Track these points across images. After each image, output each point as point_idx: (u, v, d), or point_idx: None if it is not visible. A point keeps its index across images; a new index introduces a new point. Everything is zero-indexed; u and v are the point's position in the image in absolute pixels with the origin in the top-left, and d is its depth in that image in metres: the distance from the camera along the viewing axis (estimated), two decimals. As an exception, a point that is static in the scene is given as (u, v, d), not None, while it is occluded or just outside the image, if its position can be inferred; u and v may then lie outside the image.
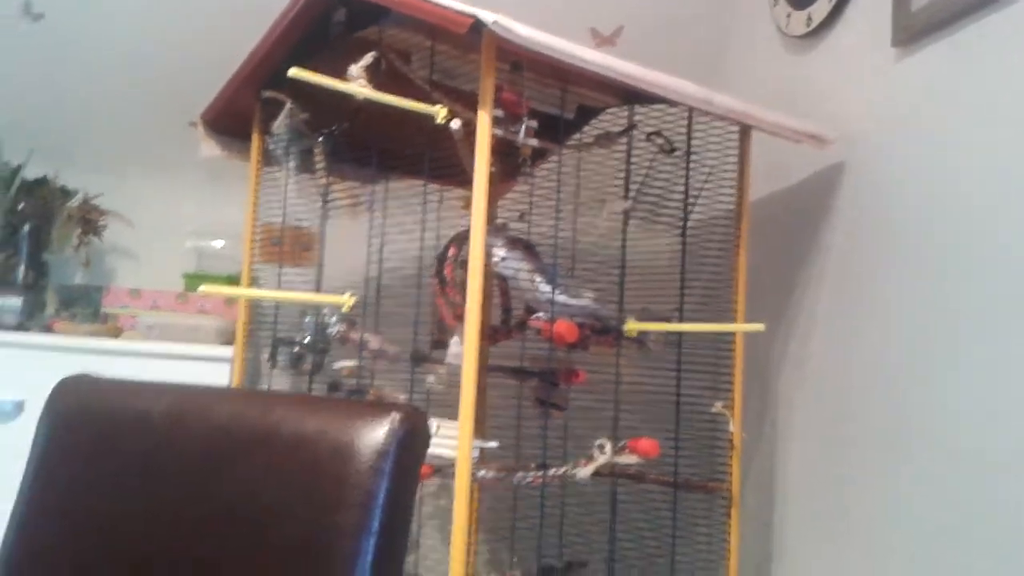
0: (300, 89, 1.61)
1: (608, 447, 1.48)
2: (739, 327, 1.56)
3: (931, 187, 1.46)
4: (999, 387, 1.30)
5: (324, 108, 1.58)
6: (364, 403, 0.91)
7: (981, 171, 1.36)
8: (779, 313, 1.81)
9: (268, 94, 1.68)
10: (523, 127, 1.37)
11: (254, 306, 1.85)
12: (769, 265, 1.85)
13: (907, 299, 1.49)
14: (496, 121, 1.33)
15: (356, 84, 1.34)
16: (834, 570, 1.61)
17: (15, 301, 1.95)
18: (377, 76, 1.38)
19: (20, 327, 1.92)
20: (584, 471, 1.48)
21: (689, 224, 1.63)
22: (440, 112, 1.33)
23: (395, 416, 0.87)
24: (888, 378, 1.52)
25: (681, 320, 1.60)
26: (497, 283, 1.78)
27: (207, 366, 1.86)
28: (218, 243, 2.20)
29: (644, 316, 1.58)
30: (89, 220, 2.13)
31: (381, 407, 0.88)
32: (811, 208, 1.74)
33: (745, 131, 1.62)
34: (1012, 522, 1.26)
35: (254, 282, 1.84)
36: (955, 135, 1.42)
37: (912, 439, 1.45)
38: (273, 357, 1.74)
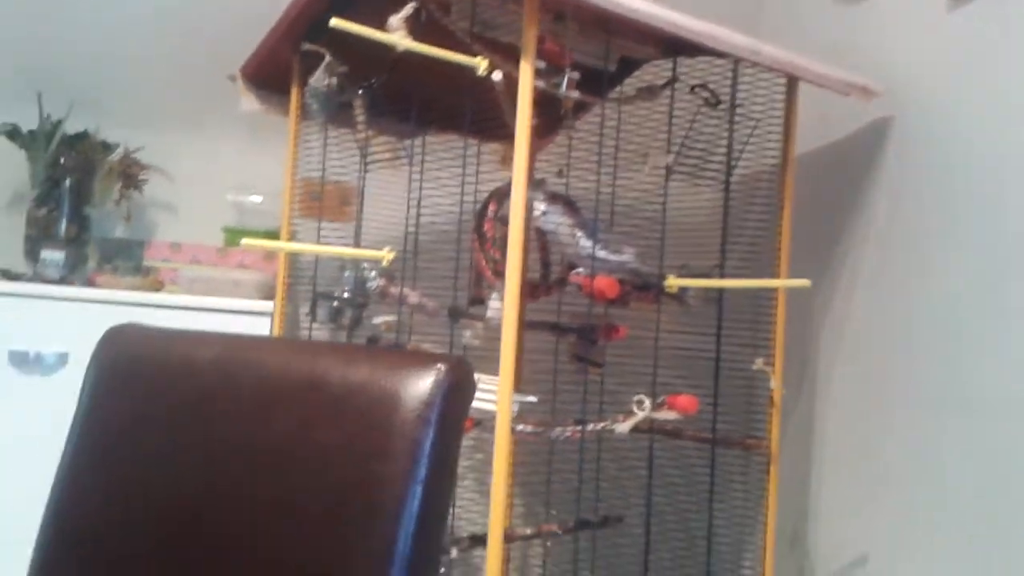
0: (339, 42, 1.59)
1: (647, 403, 1.48)
2: (783, 283, 1.54)
3: (981, 144, 1.42)
4: (1050, 345, 1.27)
5: (363, 61, 1.57)
6: (410, 353, 0.92)
7: (1037, 124, 1.33)
8: (822, 271, 1.78)
9: (307, 47, 1.67)
10: (565, 79, 1.35)
11: (293, 260, 1.85)
12: (813, 222, 1.82)
13: (953, 260, 1.46)
14: (538, 73, 1.31)
15: (396, 35, 1.32)
16: (871, 531, 1.60)
17: (58, 255, 1.97)
18: (417, 27, 1.36)
19: (62, 280, 1.95)
20: (623, 426, 1.48)
21: (733, 179, 1.61)
22: (481, 64, 1.31)
23: (441, 367, 0.87)
24: (931, 340, 1.49)
25: (723, 277, 1.58)
26: (536, 239, 1.77)
27: (247, 319, 1.88)
28: (257, 198, 2.20)
29: (685, 273, 1.56)
30: (130, 174, 2.14)
31: (427, 357, 0.88)
32: (858, 163, 1.71)
33: (792, 83, 1.58)
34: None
35: (293, 237, 1.85)
36: (1006, 90, 1.38)
37: (953, 403, 1.43)
38: (313, 311, 1.75)
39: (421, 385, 0.86)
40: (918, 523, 1.49)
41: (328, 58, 1.62)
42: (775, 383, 1.59)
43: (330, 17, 1.27)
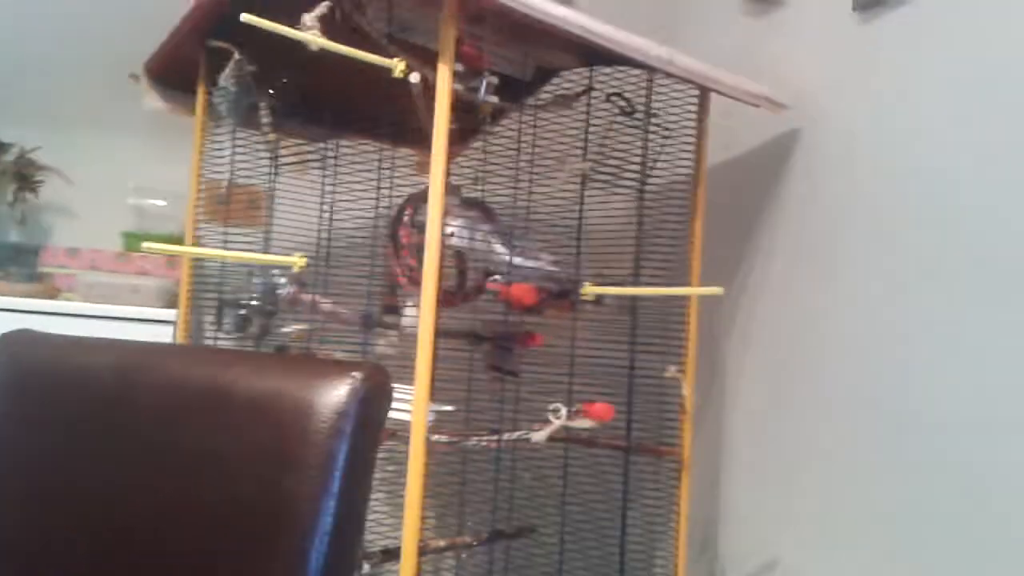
0: (249, 39, 1.54)
1: (563, 411, 1.47)
2: (695, 290, 1.56)
3: (886, 156, 1.47)
4: (947, 354, 1.31)
5: (274, 60, 1.53)
6: (325, 361, 0.88)
7: (937, 139, 1.37)
8: (732, 279, 1.81)
9: (215, 44, 1.62)
10: (484, 83, 1.33)
11: (198, 267, 1.79)
12: (725, 231, 1.85)
13: (858, 267, 1.50)
14: (456, 76, 1.30)
15: (309, 34, 1.29)
16: (780, 534, 1.63)
17: (-57, 260, 1.86)
18: (332, 27, 1.32)
19: (-51, 286, 1.84)
20: (539, 434, 1.47)
21: (647, 188, 1.62)
22: (398, 66, 1.29)
23: (357, 375, 0.84)
24: (837, 345, 1.53)
25: (637, 285, 1.59)
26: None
27: (149, 328, 1.80)
28: (160, 202, 2.12)
29: (601, 281, 1.57)
30: (25, 176, 2.03)
31: (342, 365, 0.85)
32: (767, 174, 1.74)
33: (704, 94, 1.61)
34: (957, 481, 1.28)
35: (198, 242, 1.78)
36: (912, 101, 1.43)
37: (857, 407, 1.47)
38: (218, 320, 1.68)
39: (335, 394, 0.83)
40: (826, 525, 1.52)
41: (236, 56, 1.57)
42: (687, 390, 1.60)
43: (239, 13, 1.22)
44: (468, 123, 1.53)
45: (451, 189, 1.68)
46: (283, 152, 1.67)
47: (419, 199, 1.57)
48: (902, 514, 1.37)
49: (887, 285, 1.44)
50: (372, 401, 0.83)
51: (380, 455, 1.99)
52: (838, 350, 1.53)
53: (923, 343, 1.36)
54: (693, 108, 1.62)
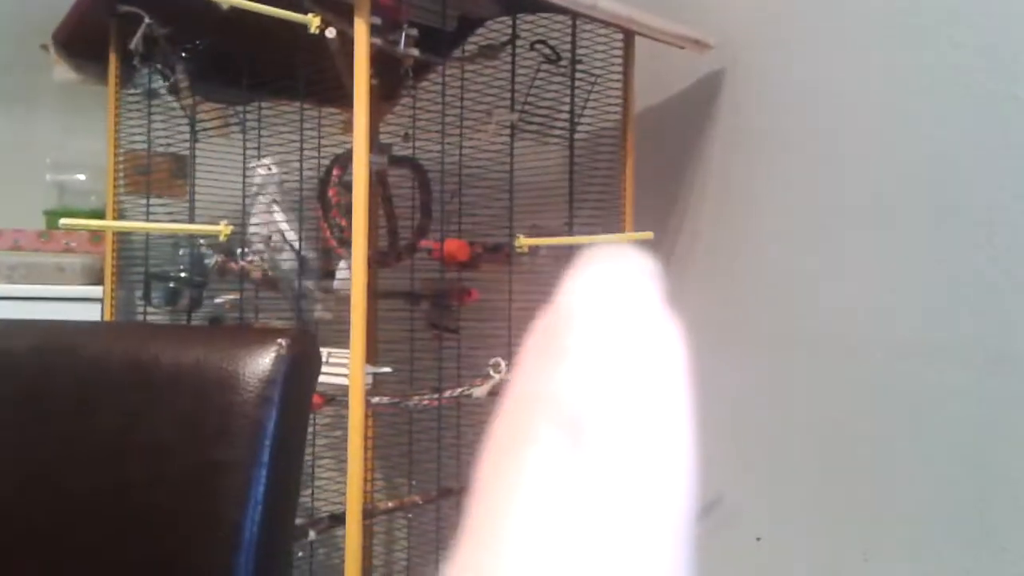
0: (159, 2, 1.49)
1: (503, 365, 1.47)
2: (627, 236, 1.56)
3: (811, 93, 1.47)
4: (877, 285, 1.34)
5: (186, 23, 1.47)
6: (248, 330, 0.86)
7: (861, 75, 1.38)
8: (665, 224, 1.82)
9: (124, 9, 1.55)
10: (403, 36, 1.30)
11: (123, 240, 1.73)
12: (656, 177, 1.85)
13: (785, 207, 1.51)
14: (374, 29, 1.26)
15: (218, -7, 1.24)
16: (719, 466, 1.66)
17: None
18: (242, -15, 1.28)
19: None
20: (480, 390, 1.46)
21: (577, 137, 1.60)
22: (313, 21, 1.25)
23: (281, 342, 0.82)
24: (769, 282, 1.55)
25: (571, 234, 1.58)
26: (382, 205, 1.72)
27: (75, 307, 1.76)
28: (80, 176, 2.05)
29: (534, 232, 1.56)
30: (-70, 155, 1.95)
31: (266, 333, 0.84)
32: (695, 117, 1.74)
33: (629, 38, 1.59)
34: (897, 411, 1.32)
35: (121, 215, 1.73)
36: (834, 38, 1.43)
37: (790, 342, 1.49)
38: (147, 294, 1.64)
39: (261, 363, 0.81)
40: (766, 459, 1.55)
41: (147, 20, 1.51)
42: (628, 337, 1.61)
43: (143, -26, 1.17)
44: (393, 79, 1.50)
45: (380, 148, 1.65)
46: (202, 117, 1.62)
47: (347, 159, 1.54)
48: (834, 446, 1.40)
49: (814, 223, 1.46)
50: (299, 367, 0.82)
51: (325, 422, 1.97)
52: (771, 288, 1.55)
53: (852, 279, 1.38)
54: (619, 53, 1.60)
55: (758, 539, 1.56)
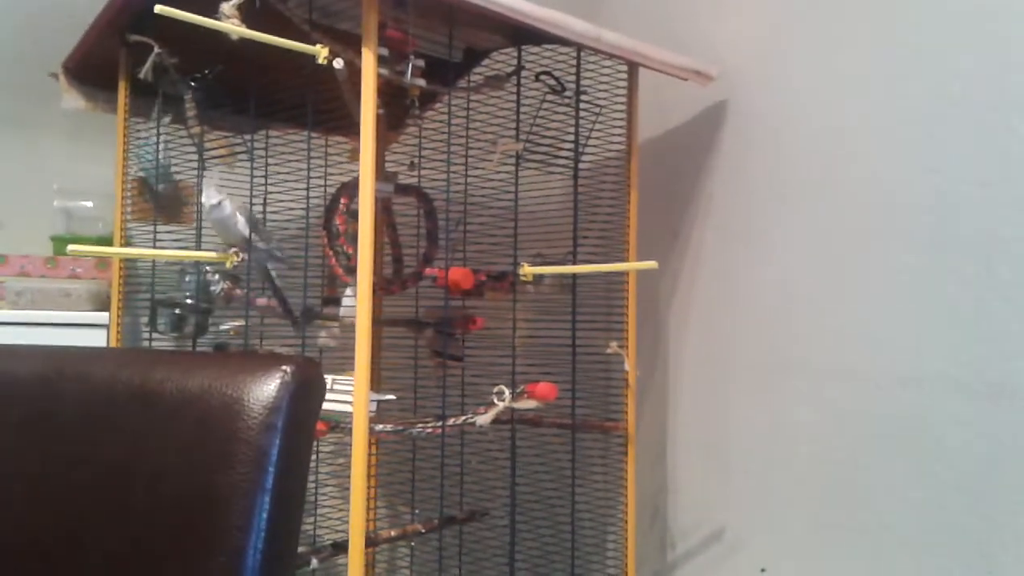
0: (169, 31, 1.50)
1: (507, 393, 1.47)
2: (632, 265, 1.57)
3: (812, 123, 1.48)
4: (877, 315, 1.34)
5: (195, 52, 1.49)
6: (253, 356, 0.87)
7: (861, 106, 1.39)
8: (668, 253, 1.83)
9: (134, 38, 1.57)
10: (410, 66, 1.32)
11: (129, 267, 1.74)
12: (660, 206, 1.86)
13: (787, 236, 1.52)
14: (381, 60, 1.28)
15: (229, 23, 1.26)
16: (726, 500, 1.65)
17: None
18: (252, 15, 1.30)
19: None
20: (484, 418, 1.46)
21: (581, 167, 1.62)
22: (321, 52, 1.27)
23: (286, 369, 0.82)
24: (771, 311, 1.55)
25: (575, 263, 1.59)
26: (387, 233, 1.73)
27: (82, 332, 1.76)
28: (87, 203, 2.06)
29: (539, 261, 1.57)
30: (-59, 181, 1.96)
31: (272, 359, 0.84)
32: (698, 148, 1.76)
33: (633, 69, 1.61)
34: (897, 439, 1.31)
35: (128, 242, 1.74)
36: (835, 68, 1.44)
37: (792, 371, 1.49)
38: (153, 321, 1.65)
39: (265, 390, 0.81)
40: (769, 489, 1.55)
41: (157, 50, 1.53)
42: (629, 365, 1.61)
43: (155, 4, 1.19)
44: (399, 109, 1.51)
45: (386, 176, 1.67)
46: (210, 145, 1.64)
47: (353, 187, 1.55)
48: (838, 472, 1.40)
49: (815, 251, 1.46)
50: (303, 394, 0.82)
51: (328, 448, 1.97)
52: (770, 316, 1.55)
53: (850, 306, 1.39)
54: (623, 84, 1.62)
55: (763, 570, 1.55)
